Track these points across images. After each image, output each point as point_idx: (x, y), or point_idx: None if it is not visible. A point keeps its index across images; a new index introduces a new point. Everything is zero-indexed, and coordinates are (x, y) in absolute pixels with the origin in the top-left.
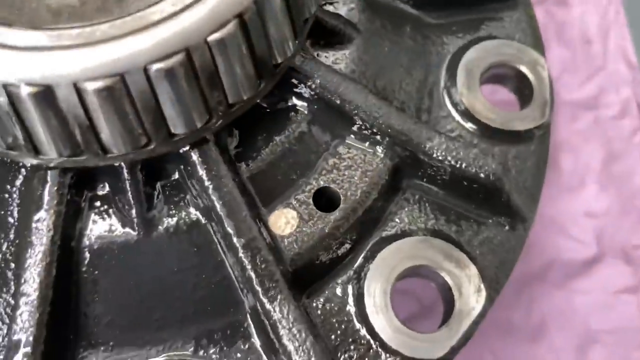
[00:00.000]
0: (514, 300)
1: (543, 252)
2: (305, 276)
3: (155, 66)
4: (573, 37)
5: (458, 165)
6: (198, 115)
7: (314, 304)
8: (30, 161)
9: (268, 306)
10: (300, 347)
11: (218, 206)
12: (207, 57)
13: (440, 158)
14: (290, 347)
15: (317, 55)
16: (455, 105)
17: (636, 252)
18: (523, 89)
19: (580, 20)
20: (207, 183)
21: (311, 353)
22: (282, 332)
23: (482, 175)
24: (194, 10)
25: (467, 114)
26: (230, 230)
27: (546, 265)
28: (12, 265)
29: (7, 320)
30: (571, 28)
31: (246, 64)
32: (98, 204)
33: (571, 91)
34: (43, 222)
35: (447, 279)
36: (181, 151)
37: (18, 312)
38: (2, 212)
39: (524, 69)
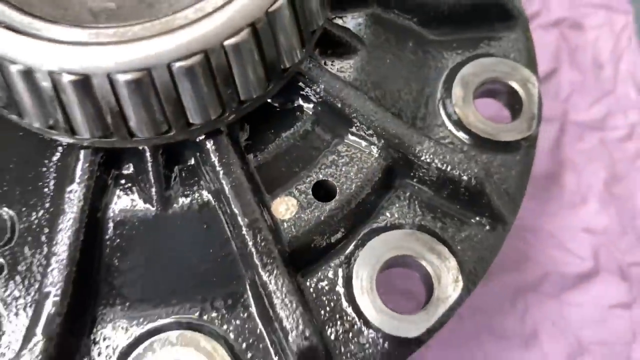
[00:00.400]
0: (510, 307)
1: (540, 263)
2: (301, 257)
3: (178, 64)
4: (585, 61)
5: (444, 168)
6: (213, 108)
7: (308, 283)
8: (66, 140)
9: (265, 278)
10: (291, 316)
11: (227, 189)
12: (223, 59)
13: (427, 160)
14: (282, 314)
15: (324, 62)
16: (449, 115)
17: (632, 270)
18: (514, 104)
19: (593, 45)
20: (218, 168)
21: (299, 321)
22: (275, 301)
23: (465, 177)
24: (212, 18)
25: (460, 124)
26: (236, 210)
27: (542, 277)
28: (46, 230)
29: (38, 278)
30: (584, 51)
31: (257, 67)
32: (123, 182)
33: (579, 112)
34: (75, 193)
35: (429, 268)
36: (197, 140)
37: (49, 269)
38: (40, 183)
39: (515, 85)
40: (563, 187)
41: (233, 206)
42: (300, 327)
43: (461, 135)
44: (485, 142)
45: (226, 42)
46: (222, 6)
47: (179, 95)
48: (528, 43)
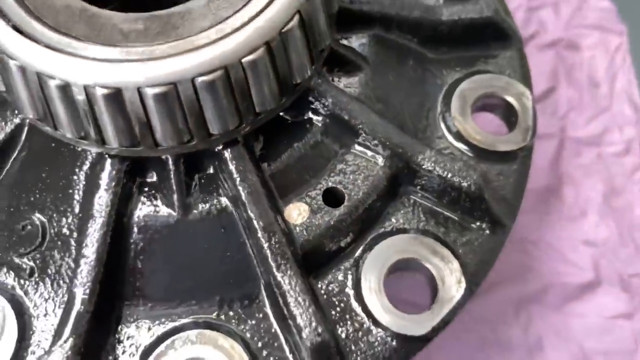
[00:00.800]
0: (513, 318)
1: (542, 275)
2: (313, 260)
3: (201, 79)
4: (581, 79)
5: (445, 175)
6: (231, 119)
7: (319, 285)
8: (96, 150)
9: (279, 279)
10: (304, 313)
11: (243, 195)
12: (241, 74)
13: (429, 168)
14: (296, 312)
15: (332, 79)
16: (448, 128)
17: (633, 280)
18: (510, 117)
19: (589, 64)
20: (235, 176)
21: (312, 318)
22: (289, 300)
23: (464, 184)
24: (232, 37)
25: (459, 136)
26: (252, 215)
27: (544, 288)
28: (75, 234)
29: (67, 280)
30: (580, 70)
31: (271, 82)
32: (146, 189)
33: (577, 128)
34: (103, 199)
35: (433, 271)
36: (216, 149)
37: (78, 270)
38: (70, 191)
39: (510, 99)
40: (563, 200)
41: (249, 211)
42: (313, 323)
43: (460, 146)
44: (483, 152)
45: (244, 59)
46: (240, 27)
47: (201, 107)
48: (522, 60)
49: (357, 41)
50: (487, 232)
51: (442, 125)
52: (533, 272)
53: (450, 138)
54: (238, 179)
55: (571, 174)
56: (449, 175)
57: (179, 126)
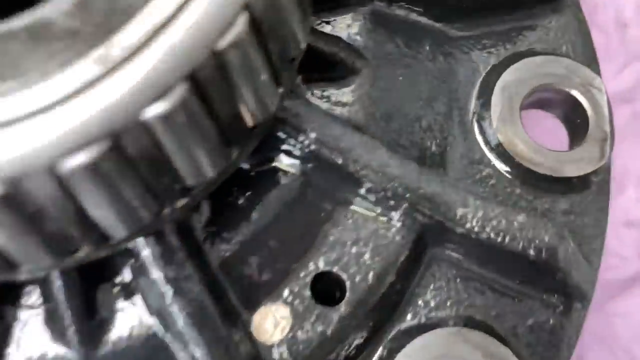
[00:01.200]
0: None
1: None
2: None
3: (67, 163)
4: (607, 21)
5: (499, 240)
6: (143, 211)
7: None
8: None
9: None
10: None
11: (181, 320)
12: (145, 140)
13: (476, 230)
14: None
15: (311, 94)
16: (488, 144)
17: None
18: (574, 118)
19: (614, 2)
20: (163, 289)
21: None
22: None
23: (531, 252)
24: (122, 74)
25: (505, 156)
26: (197, 354)
27: None
28: None
29: None
30: (604, 10)
31: (206, 137)
32: (25, 320)
33: (605, 82)
34: None
35: None
36: (129, 246)
37: None
38: None
39: (576, 93)
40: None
41: (192, 346)
42: None
43: (507, 170)
44: (542, 179)
45: (148, 114)
46: (137, 52)
47: (81, 207)
48: (582, 28)
49: (345, 26)
50: (560, 308)
51: (480, 140)
52: None
53: (492, 160)
54: (169, 294)
55: None
56: (507, 240)
57: (45, 240)
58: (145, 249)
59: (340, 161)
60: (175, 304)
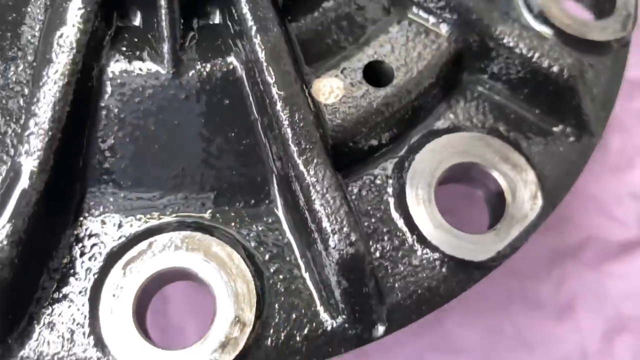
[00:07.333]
0: (545, 274)
1: (580, 229)
2: (344, 154)
3: None
4: None
5: (530, 55)
6: None
7: (349, 188)
8: None
9: (302, 168)
10: (333, 215)
11: (260, 51)
12: None
13: (511, 45)
14: (322, 213)
15: None
16: (529, 6)
17: None
18: (603, 3)
19: None
20: (250, 23)
21: (344, 222)
22: (314, 196)
23: (555, 69)
24: None
25: (542, 17)
26: (270, 79)
27: (582, 242)
28: (25, 89)
29: (10, 150)
30: None
31: None
32: (127, 36)
33: (630, 67)
34: (66, 38)
35: (500, 180)
36: None
37: (26, 133)
38: (22, 29)
39: None
40: (608, 148)
41: (267, 75)
42: (345, 229)
43: (543, 29)
44: (571, 40)
45: None
46: None
47: None
48: None
49: None
50: (572, 138)
51: (521, 2)
52: (570, 224)
53: (530, 19)
54: (254, 29)
55: (620, 119)
56: (537, 55)
57: None
58: None
59: None
60: (257, 37)
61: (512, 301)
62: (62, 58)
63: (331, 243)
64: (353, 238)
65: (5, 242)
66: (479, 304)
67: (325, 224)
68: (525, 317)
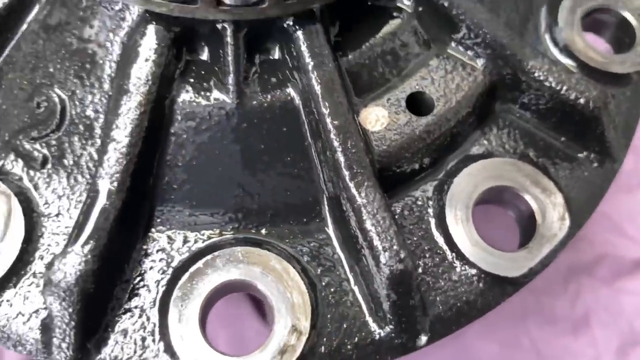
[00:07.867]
0: (561, 289)
1: (595, 246)
2: (388, 177)
3: None
4: None
5: (558, 88)
6: None
7: (392, 208)
8: (138, 6)
9: (353, 191)
10: (384, 234)
11: (316, 85)
12: None
13: (540, 78)
14: (373, 232)
15: None
16: (554, 40)
17: None
18: (623, 37)
19: None
20: (307, 60)
21: (394, 241)
22: (365, 217)
23: (582, 101)
24: None
25: (566, 50)
26: (325, 110)
27: (597, 260)
28: (101, 118)
29: (86, 174)
30: None
31: None
32: (194, 68)
33: None
34: (142, 71)
35: (532, 203)
36: (285, 24)
37: (106, 157)
38: (101, 61)
39: (627, 15)
40: (622, 169)
41: (322, 105)
42: (395, 247)
43: (567, 62)
44: (594, 72)
45: None
46: None
47: None
48: None
49: None
50: (595, 164)
51: (547, 37)
52: (585, 242)
53: (556, 53)
54: (311, 64)
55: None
56: (564, 88)
57: None
58: (299, 31)
59: (446, 4)
60: (314, 72)
61: (529, 316)
62: (138, 89)
63: (382, 259)
64: (402, 255)
65: (89, 256)
66: (497, 318)
67: (377, 242)
68: (541, 331)
